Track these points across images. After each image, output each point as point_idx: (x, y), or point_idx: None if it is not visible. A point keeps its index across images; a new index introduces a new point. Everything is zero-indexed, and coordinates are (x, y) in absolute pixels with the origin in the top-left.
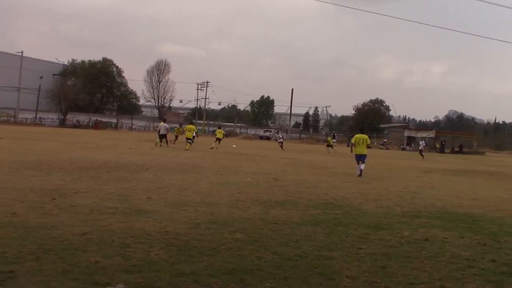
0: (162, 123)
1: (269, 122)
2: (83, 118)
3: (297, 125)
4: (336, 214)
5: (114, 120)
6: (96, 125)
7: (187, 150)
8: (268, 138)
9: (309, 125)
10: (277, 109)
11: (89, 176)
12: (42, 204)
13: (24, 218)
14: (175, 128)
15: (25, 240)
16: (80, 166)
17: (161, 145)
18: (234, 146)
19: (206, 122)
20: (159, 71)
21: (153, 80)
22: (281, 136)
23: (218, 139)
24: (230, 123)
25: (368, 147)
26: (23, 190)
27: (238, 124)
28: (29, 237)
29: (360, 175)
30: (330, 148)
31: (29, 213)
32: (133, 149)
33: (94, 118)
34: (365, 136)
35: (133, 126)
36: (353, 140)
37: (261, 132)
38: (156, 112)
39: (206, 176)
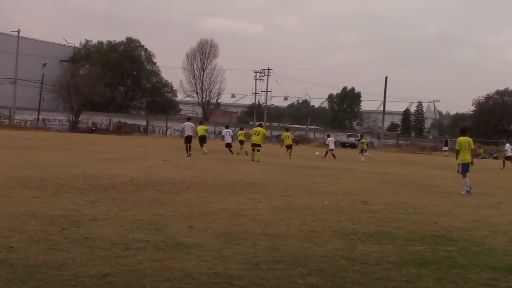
0: (187, 123)
1: (354, 124)
2: (101, 119)
3: (393, 127)
4: (449, 252)
5: (143, 122)
6: (119, 129)
7: (256, 161)
8: (353, 146)
9: (410, 127)
10: (365, 105)
11: (109, 197)
12: (47, 236)
13: (23, 254)
14: (238, 132)
15: (26, 284)
16: (98, 184)
17: (189, 154)
18: (317, 153)
19: (268, 123)
20: (203, 55)
21: (195, 67)
22: (331, 140)
23: (288, 146)
24: (300, 125)
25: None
26: (21, 216)
27: (312, 127)
28: (31, 279)
29: (469, 191)
30: (364, 154)
31: (30, 247)
32: (168, 161)
33: (115, 119)
34: (470, 140)
35: (168, 131)
36: (457, 146)
37: (343, 137)
38: (199, 111)
39: (268, 198)
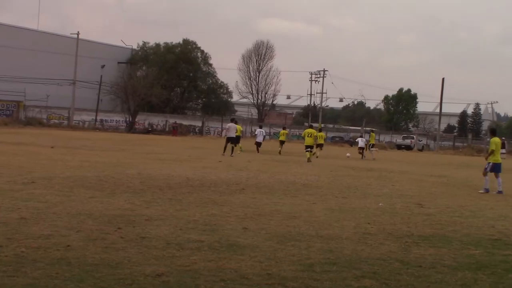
0: (231, 124)
1: (410, 125)
2: (157, 120)
3: (449, 128)
4: (506, 256)
5: (199, 123)
6: (175, 130)
7: (309, 162)
8: (408, 148)
9: (467, 129)
10: (422, 107)
11: (165, 198)
12: (103, 235)
13: (80, 252)
14: (281, 132)
15: (82, 282)
16: (154, 185)
17: (231, 155)
18: (348, 154)
19: (323, 125)
20: (258, 57)
21: (251, 68)
22: (363, 139)
23: (317, 146)
24: (355, 127)
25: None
26: (79, 215)
27: (367, 128)
28: (87, 278)
29: (501, 191)
30: (371, 150)
31: (87, 246)
32: (224, 163)
33: (171, 120)
34: (500, 140)
35: (223, 132)
36: (493, 146)
37: (398, 139)
38: (254, 112)
39: (323, 200)
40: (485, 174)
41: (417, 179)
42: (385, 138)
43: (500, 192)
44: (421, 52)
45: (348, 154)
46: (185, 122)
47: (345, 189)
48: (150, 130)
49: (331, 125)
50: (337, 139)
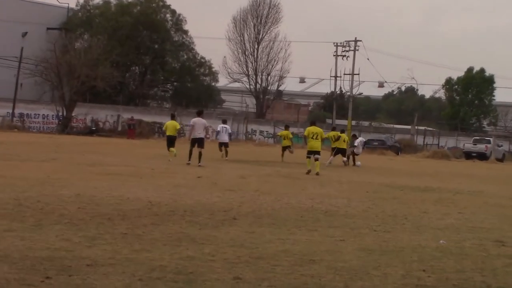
0: (197, 119)
1: (485, 123)
2: (105, 115)
3: None
4: None
5: (167, 120)
6: (131, 130)
7: (315, 174)
8: (483, 156)
9: None
10: (502, 95)
11: (117, 232)
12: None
13: None
14: (282, 133)
15: None
16: (99, 213)
17: (199, 164)
18: (358, 163)
19: (354, 122)
20: (257, 20)
21: (246, 38)
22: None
23: (339, 151)
24: (402, 125)
25: None
26: None
27: (421, 128)
28: None
29: None
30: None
31: None
32: (204, 178)
33: (126, 115)
34: None
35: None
36: None
37: (467, 143)
38: (252, 102)
39: (355, 235)
40: None
41: (496, 204)
42: (448, 142)
43: None
44: (502, 12)
45: (358, 163)
46: (147, 118)
47: (389, 220)
48: (94, 130)
49: (366, 123)
50: (375, 143)
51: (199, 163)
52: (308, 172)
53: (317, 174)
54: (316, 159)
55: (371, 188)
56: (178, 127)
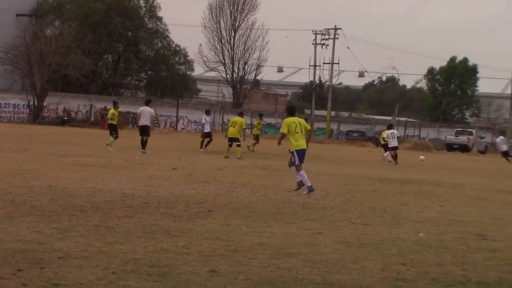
0: (145, 107)
1: (468, 114)
2: (77, 104)
3: None
4: None
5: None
6: (105, 120)
7: (236, 158)
8: (464, 148)
9: None
10: (485, 85)
11: (90, 224)
12: None
13: None
14: (256, 123)
15: None
16: (72, 204)
17: (143, 150)
18: (422, 157)
19: (333, 113)
20: (234, 7)
21: (222, 25)
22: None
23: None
24: (383, 116)
25: None
26: None
27: (402, 119)
28: None
29: None
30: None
31: None
32: (180, 170)
33: (99, 105)
34: None
35: (180, 122)
36: None
37: (449, 134)
38: (228, 91)
39: (333, 228)
40: None
41: (477, 197)
42: (429, 133)
43: None
44: (485, 1)
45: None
46: (121, 108)
47: (368, 212)
48: (66, 120)
49: (346, 114)
50: (355, 134)
51: (143, 150)
52: (226, 156)
53: (239, 158)
54: (238, 146)
55: (350, 181)
56: (116, 113)
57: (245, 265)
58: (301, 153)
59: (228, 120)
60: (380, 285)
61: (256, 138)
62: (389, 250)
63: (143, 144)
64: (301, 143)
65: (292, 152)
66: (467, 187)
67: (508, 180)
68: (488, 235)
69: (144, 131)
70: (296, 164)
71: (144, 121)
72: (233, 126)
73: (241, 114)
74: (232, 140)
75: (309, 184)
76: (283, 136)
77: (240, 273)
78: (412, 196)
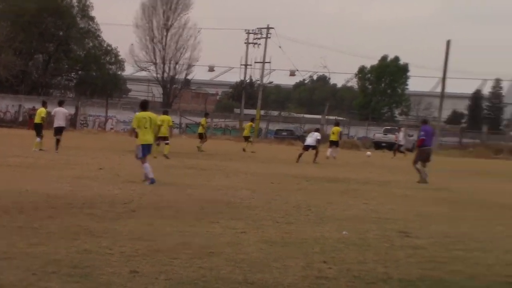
0: (59, 108)
1: (397, 113)
2: (5, 105)
3: (455, 117)
4: None
5: (70, 110)
6: (32, 119)
7: (164, 156)
8: (392, 146)
9: (482, 117)
10: (415, 84)
11: (12, 226)
12: None
13: None
14: (201, 122)
15: None
16: None
17: (56, 150)
18: (368, 153)
19: (263, 112)
20: (167, 6)
21: (155, 24)
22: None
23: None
24: (313, 115)
25: None
26: None
27: (331, 117)
28: None
29: None
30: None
31: None
32: (106, 170)
33: (28, 105)
34: None
35: (109, 123)
36: None
37: (378, 133)
38: (159, 91)
39: (257, 227)
40: None
41: (402, 195)
42: (358, 131)
43: None
44: (415, 2)
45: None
46: (49, 108)
47: (293, 211)
48: None
49: (275, 112)
50: (284, 133)
51: (56, 150)
52: (154, 156)
53: (166, 156)
54: (166, 144)
55: (277, 179)
56: (43, 114)
57: (167, 265)
58: (147, 147)
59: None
60: (301, 283)
61: (203, 136)
62: (312, 249)
63: (57, 144)
64: (148, 138)
65: (138, 146)
66: (392, 185)
67: (434, 177)
68: (411, 233)
69: (59, 131)
70: (140, 157)
71: (59, 122)
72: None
73: (166, 112)
74: (160, 139)
75: (151, 176)
76: (134, 129)
77: (162, 273)
78: (338, 195)
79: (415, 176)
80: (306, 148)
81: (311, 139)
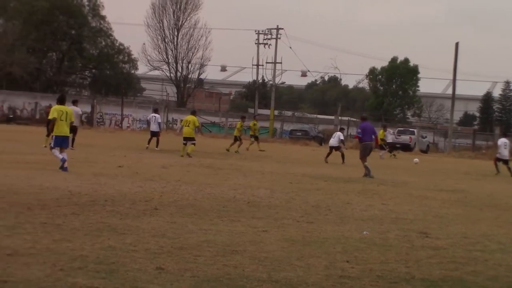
0: (72, 107)
1: (409, 114)
2: (22, 102)
3: (467, 119)
4: None
5: (86, 108)
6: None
7: (186, 155)
8: (406, 148)
9: (493, 119)
10: (426, 86)
11: (36, 222)
12: None
13: None
14: (237, 125)
15: None
16: (18, 202)
17: (72, 147)
18: (416, 160)
19: (277, 112)
20: (177, 6)
21: (166, 24)
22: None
23: (254, 137)
24: (326, 115)
25: None
26: None
27: (344, 118)
28: None
29: None
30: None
31: None
32: (126, 168)
33: (44, 103)
34: None
35: (125, 121)
36: None
37: (391, 134)
38: (172, 90)
39: (278, 226)
40: None
41: (420, 196)
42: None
43: None
44: (424, 3)
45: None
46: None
47: (312, 210)
48: (11, 118)
49: (289, 113)
50: (298, 134)
51: (72, 147)
52: (182, 155)
53: (188, 155)
54: (193, 144)
55: (294, 179)
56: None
57: (192, 262)
58: (61, 139)
59: (173, 119)
60: (325, 282)
61: (238, 139)
62: (333, 248)
63: (72, 141)
64: (63, 130)
65: (53, 136)
66: (410, 186)
67: (449, 179)
68: (431, 233)
69: (72, 130)
70: (53, 146)
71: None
72: (188, 126)
73: (193, 113)
74: (187, 139)
75: (60, 157)
76: (54, 120)
77: (187, 270)
78: (356, 195)
79: (433, 177)
80: (330, 149)
81: (333, 139)
